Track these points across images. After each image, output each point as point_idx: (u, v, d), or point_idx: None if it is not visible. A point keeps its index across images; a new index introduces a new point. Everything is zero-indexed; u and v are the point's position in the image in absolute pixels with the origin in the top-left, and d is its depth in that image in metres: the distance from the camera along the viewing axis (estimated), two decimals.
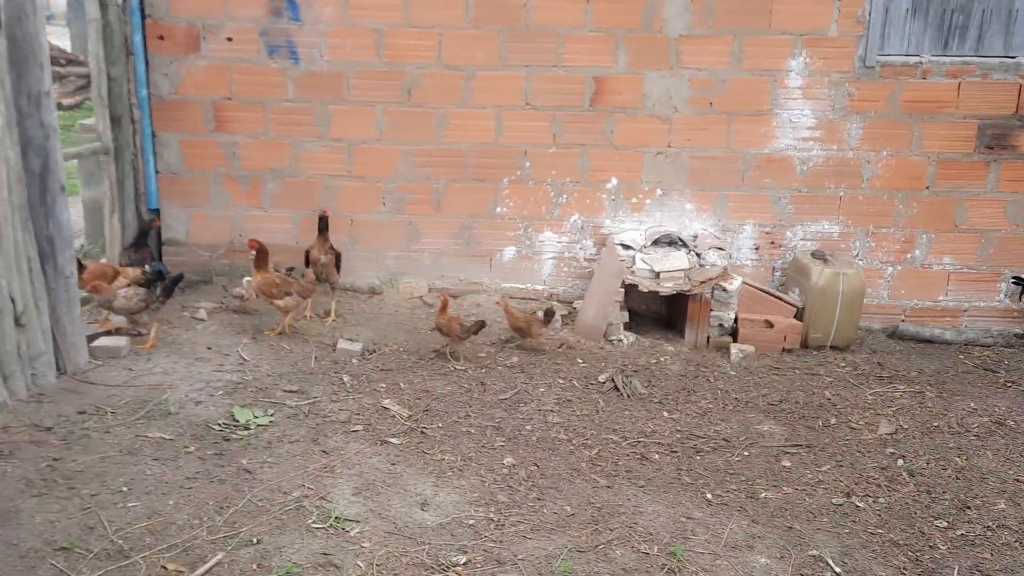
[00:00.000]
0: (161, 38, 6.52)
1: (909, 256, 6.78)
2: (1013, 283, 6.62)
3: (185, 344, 5.75)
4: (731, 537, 4.03)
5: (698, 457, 4.80)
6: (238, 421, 4.84)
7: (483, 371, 5.74)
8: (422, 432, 4.88)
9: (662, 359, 6.13)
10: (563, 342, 6.26)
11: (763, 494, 4.44)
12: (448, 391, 5.43)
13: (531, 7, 6.42)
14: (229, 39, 6.52)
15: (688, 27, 6.44)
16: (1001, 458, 4.87)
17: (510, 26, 6.46)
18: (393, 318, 6.49)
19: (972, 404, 5.55)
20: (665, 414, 5.32)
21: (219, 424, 4.80)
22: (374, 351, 5.91)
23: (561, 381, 5.68)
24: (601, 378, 5.67)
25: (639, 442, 4.94)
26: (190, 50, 6.54)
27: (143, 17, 6.45)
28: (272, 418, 4.92)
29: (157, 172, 6.75)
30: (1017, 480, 4.62)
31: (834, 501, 4.39)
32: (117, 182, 6.41)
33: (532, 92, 6.58)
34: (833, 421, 5.28)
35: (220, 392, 5.18)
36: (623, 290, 6.30)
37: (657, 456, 4.80)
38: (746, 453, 4.85)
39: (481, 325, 5.95)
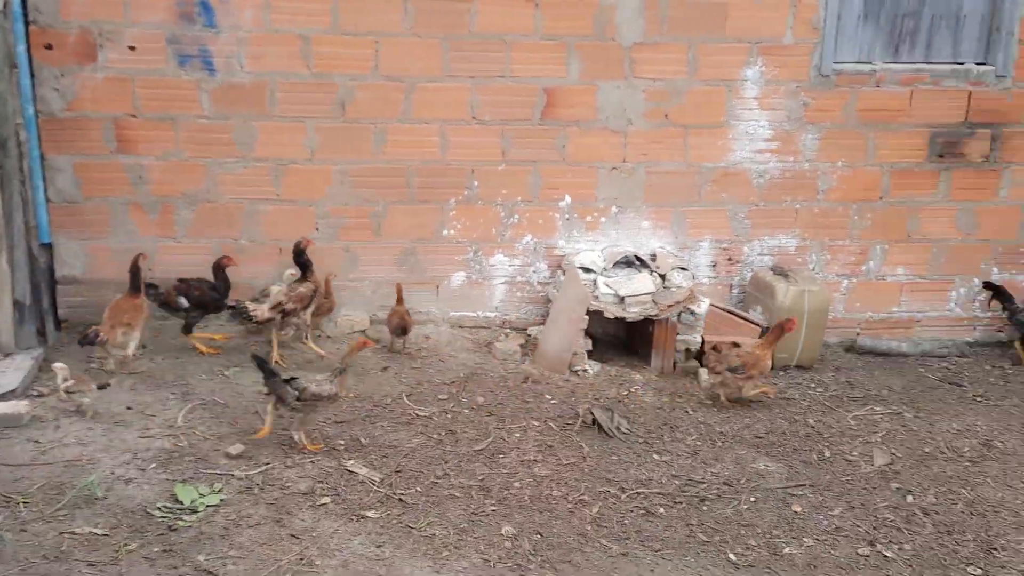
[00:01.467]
0: (49, 47, 5.65)
1: (864, 268, 6.64)
2: (984, 287, 6.57)
3: (98, 404, 4.96)
4: None
5: (704, 508, 4.43)
6: (182, 503, 4.15)
7: (448, 417, 5.20)
8: (400, 500, 4.32)
9: (633, 389, 5.75)
10: (526, 376, 5.78)
11: (786, 549, 4.11)
12: (416, 444, 4.87)
13: (476, 12, 5.89)
14: (132, 48, 5.71)
15: (642, 34, 6.06)
16: (1003, 485, 4.72)
17: (454, 33, 5.92)
18: (336, 357, 5.84)
19: (954, 425, 5.41)
20: (655, 456, 4.93)
21: (160, 508, 4.10)
22: None
23: (536, 423, 5.21)
24: (581, 414, 5.22)
25: (638, 493, 4.53)
26: (85, 60, 5.69)
27: (27, 23, 5.55)
28: (222, 495, 4.25)
29: (48, 200, 5.86)
30: None
31: (860, 552, 4.10)
32: (3, 215, 5.49)
33: (479, 105, 6.05)
34: (827, 454, 5.02)
35: (152, 465, 4.47)
36: (587, 317, 5.88)
37: (662, 510, 4.40)
38: (752, 499, 4.52)
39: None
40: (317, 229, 6.12)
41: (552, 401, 5.51)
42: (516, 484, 4.53)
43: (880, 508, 4.46)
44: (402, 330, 5.88)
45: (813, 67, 6.24)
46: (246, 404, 5.13)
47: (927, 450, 5.09)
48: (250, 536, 3.95)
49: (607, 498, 4.47)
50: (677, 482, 4.66)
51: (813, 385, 5.97)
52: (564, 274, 6.20)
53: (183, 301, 5.66)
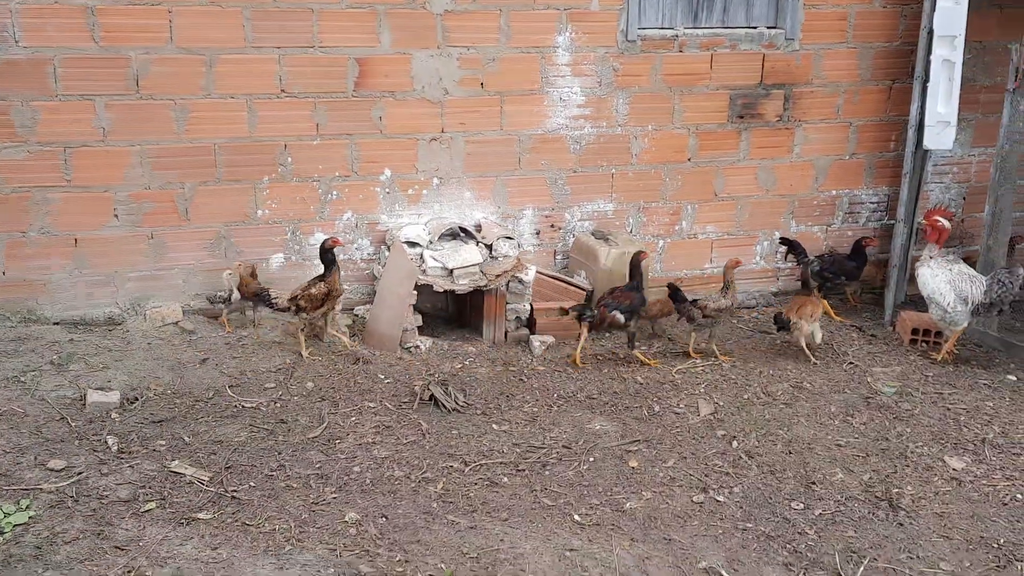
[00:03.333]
0: None
1: (677, 228, 6.91)
2: (780, 243, 6.97)
3: None
4: (622, 566, 3.75)
5: (547, 472, 4.48)
6: None
7: (277, 406, 4.98)
8: (234, 497, 4.09)
9: (467, 362, 5.73)
10: (357, 357, 5.62)
11: (627, 504, 4.21)
12: (245, 437, 4.63)
13: None
14: None
15: (452, 1, 5.97)
16: (815, 423, 5.06)
17: (256, 1, 5.59)
18: (148, 353, 5.45)
19: (768, 370, 5.74)
20: (495, 426, 4.93)
21: None
22: (136, 399, 4.92)
23: (371, 404, 5.08)
24: (418, 391, 5.13)
25: (481, 465, 4.51)
26: None
27: None
28: (32, 512, 3.86)
29: None
30: (838, 445, 4.80)
31: (695, 499, 4.27)
32: None
33: (288, 77, 5.77)
34: (657, 408, 5.20)
35: None
36: (416, 292, 5.78)
37: (506, 479, 4.40)
38: (591, 459, 4.61)
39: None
40: (116, 216, 5.67)
41: (386, 381, 5.39)
42: (356, 468, 4.40)
43: (709, 456, 4.67)
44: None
45: (620, 32, 6.37)
46: (49, 412, 4.69)
47: (746, 396, 5.36)
48: (68, 553, 3.61)
49: (450, 473, 4.42)
50: (518, 450, 4.68)
51: (638, 344, 6.15)
52: (389, 250, 6.06)
53: None
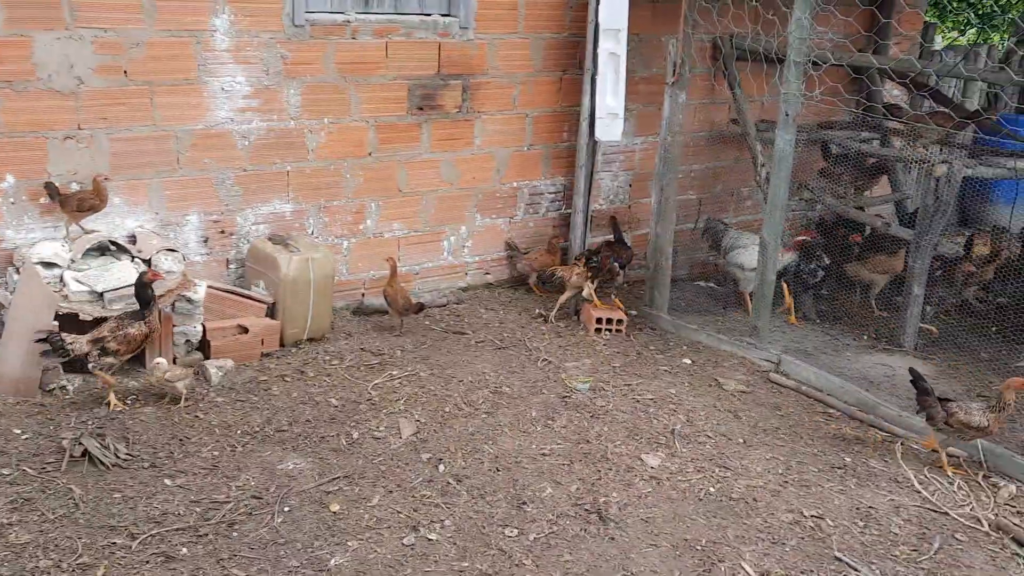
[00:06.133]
0: None
1: (362, 227, 6.50)
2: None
3: None
4: None
5: (235, 533, 3.90)
6: None
7: None
8: None
9: (129, 401, 4.91)
10: None
11: (332, 561, 3.77)
12: None
13: None
14: None
15: None
16: (519, 432, 4.93)
17: None
18: None
19: (467, 376, 5.54)
20: (168, 481, 4.23)
21: None
22: None
23: (4, 471, 4.15)
24: (67, 447, 4.28)
25: (153, 536, 3.82)
26: None
27: None
28: None
29: None
30: (543, 455, 4.71)
31: (405, 542, 3.93)
32: None
33: None
34: (355, 435, 4.78)
35: None
36: (57, 323, 4.84)
37: (185, 550, 3.76)
38: (286, 509, 4.09)
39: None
40: None
41: (24, 437, 4.46)
42: None
43: (417, 486, 4.35)
44: None
45: (286, 16, 5.78)
46: None
47: (448, 409, 5.12)
48: None
49: (114, 552, 3.69)
50: (199, 509, 4.04)
51: (329, 358, 5.69)
52: (19, 273, 5.02)
53: None
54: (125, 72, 5.32)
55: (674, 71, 6.37)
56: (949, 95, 9.25)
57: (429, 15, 6.40)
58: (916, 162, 6.46)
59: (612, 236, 7.24)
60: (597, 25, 6.44)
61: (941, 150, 6.90)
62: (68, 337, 4.69)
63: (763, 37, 6.52)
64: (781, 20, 6.12)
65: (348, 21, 6.03)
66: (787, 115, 5.82)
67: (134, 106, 5.40)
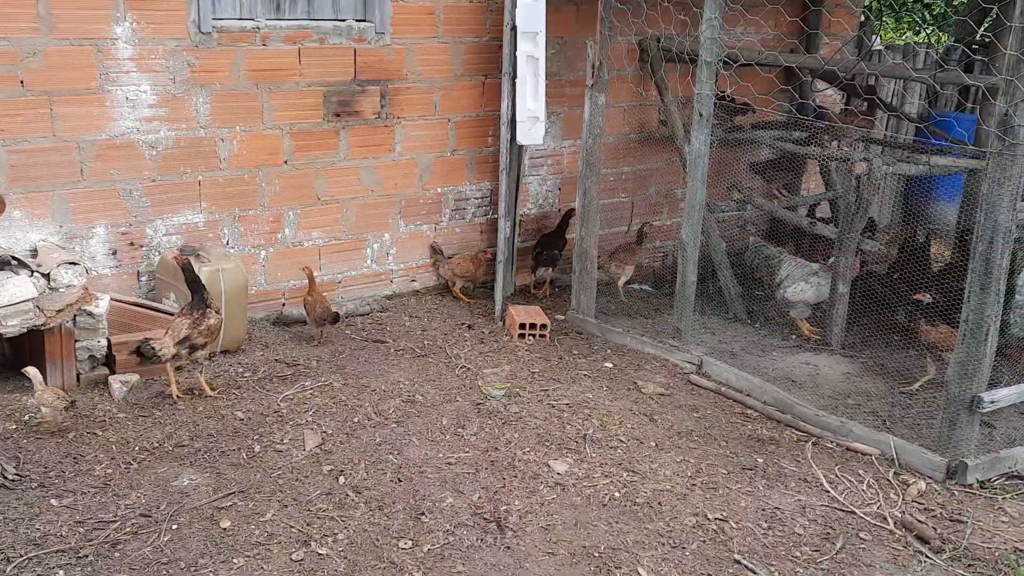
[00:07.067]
0: None
1: (280, 236, 6.39)
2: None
3: None
4: None
5: (117, 554, 3.78)
6: None
7: None
8: None
9: (26, 419, 4.78)
10: None
11: None
12: None
13: None
14: None
15: None
16: (427, 441, 4.85)
17: None
18: None
19: (381, 385, 5.45)
20: (54, 502, 4.11)
21: None
22: None
23: None
24: None
25: (31, 559, 3.70)
26: None
27: None
28: None
29: None
30: (449, 464, 4.63)
31: (294, 557, 3.83)
32: None
33: None
34: (257, 448, 4.68)
35: None
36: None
37: (62, 572, 3.64)
38: (175, 527, 3.98)
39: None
40: None
41: None
42: None
43: (313, 499, 4.25)
44: None
45: (192, 23, 5.67)
46: None
47: (356, 419, 5.03)
48: None
49: None
50: (82, 529, 3.92)
51: (242, 370, 5.58)
52: None
53: None
54: (22, 82, 5.20)
55: (593, 73, 6.33)
56: (886, 95, 9.30)
57: (343, 20, 6.31)
58: (838, 160, 6.46)
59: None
60: (515, 28, 6.38)
61: (864, 148, 6.92)
62: (156, 343, 4.94)
63: (680, 39, 6.50)
64: (693, 22, 6.10)
65: (258, 27, 5.94)
66: (701, 115, 5.80)
67: (32, 117, 5.27)
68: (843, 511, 4.41)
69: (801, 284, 6.58)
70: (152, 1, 5.49)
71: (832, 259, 6.53)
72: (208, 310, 5.15)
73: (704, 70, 5.72)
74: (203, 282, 5.29)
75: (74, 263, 5.24)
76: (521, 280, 7.41)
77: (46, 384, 4.88)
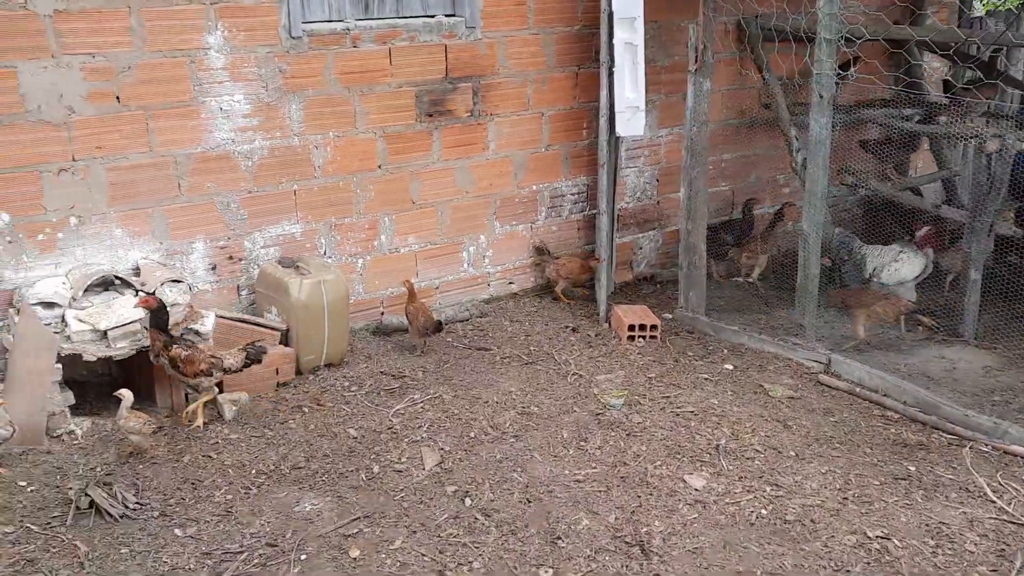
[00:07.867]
0: None
1: (376, 243, 6.20)
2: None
3: None
4: None
5: None
6: None
7: None
8: None
9: (136, 440, 4.65)
10: None
11: None
12: None
13: None
14: None
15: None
16: (550, 457, 4.60)
17: None
18: None
19: (492, 397, 5.23)
20: (178, 532, 3.96)
21: None
22: None
23: (6, 529, 3.91)
24: (73, 498, 4.03)
25: None
26: None
27: None
28: None
29: None
30: (578, 481, 4.38)
31: None
32: None
33: None
34: (376, 469, 4.48)
35: None
36: (60, 366, 4.60)
37: None
38: (303, 557, 3.80)
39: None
40: None
41: (30, 489, 4.22)
42: None
43: (442, 524, 4.04)
44: None
45: (283, 28, 5.50)
46: None
47: (473, 434, 4.81)
48: None
49: None
50: (210, 561, 3.76)
51: (347, 384, 5.41)
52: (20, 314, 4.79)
53: None
54: (117, 98, 5.08)
55: (696, 57, 6.00)
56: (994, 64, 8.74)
57: (433, 16, 6.09)
58: (966, 138, 6.01)
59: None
60: (611, 14, 6.07)
61: (989, 124, 6.45)
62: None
63: (790, 15, 6.12)
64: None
65: (348, 29, 5.74)
66: (821, 97, 5.43)
67: (129, 133, 5.15)
68: (1015, 524, 4.03)
69: (893, 266, 6.28)
70: (243, 8, 5.33)
71: (922, 231, 6.23)
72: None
73: (823, 48, 5.35)
74: (304, 296, 5.12)
75: (178, 280, 5.12)
76: (620, 278, 7.13)
77: (156, 405, 4.77)
